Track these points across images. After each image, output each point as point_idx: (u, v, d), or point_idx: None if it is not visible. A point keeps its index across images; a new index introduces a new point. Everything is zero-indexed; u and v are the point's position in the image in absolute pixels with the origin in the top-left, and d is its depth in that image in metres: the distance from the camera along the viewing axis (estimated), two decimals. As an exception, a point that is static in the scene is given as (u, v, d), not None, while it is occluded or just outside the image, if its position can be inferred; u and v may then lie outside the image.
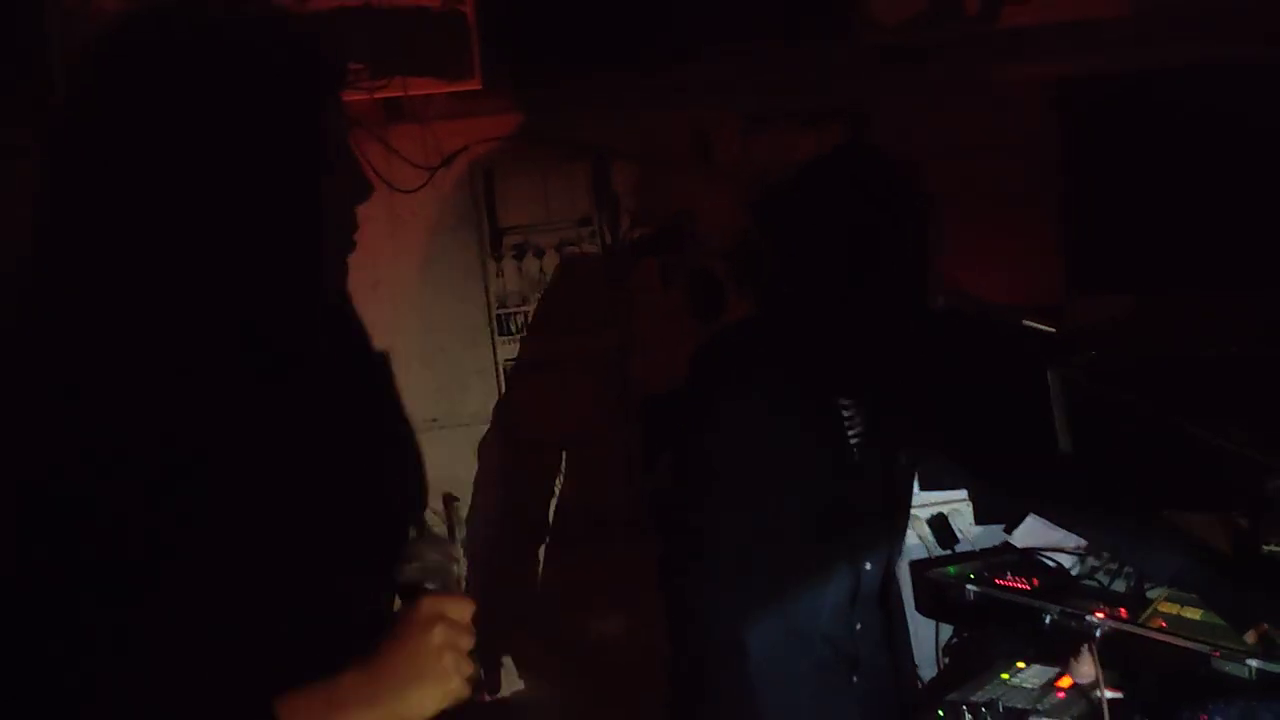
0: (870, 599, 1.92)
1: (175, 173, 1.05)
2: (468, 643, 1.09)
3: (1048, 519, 2.08)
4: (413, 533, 1.13)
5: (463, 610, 1.09)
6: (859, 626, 1.90)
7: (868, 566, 1.89)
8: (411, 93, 2.42)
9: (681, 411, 1.95)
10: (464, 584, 1.28)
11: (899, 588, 2.04)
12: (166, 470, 1.02)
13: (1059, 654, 1.84)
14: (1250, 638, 1.68)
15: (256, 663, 1.02)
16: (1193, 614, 1.83)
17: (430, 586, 1.09)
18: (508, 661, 2.56)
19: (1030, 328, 1.76)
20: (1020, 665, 1.89)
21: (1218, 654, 1.70)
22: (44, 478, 0.99)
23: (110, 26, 1.10)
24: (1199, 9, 2.42)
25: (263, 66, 1.09)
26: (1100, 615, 1.84)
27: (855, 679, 1.90)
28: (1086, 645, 1.74)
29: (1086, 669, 1.75)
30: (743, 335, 1.96)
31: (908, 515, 2.08)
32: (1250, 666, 1.65)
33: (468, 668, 1.07)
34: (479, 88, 2.44)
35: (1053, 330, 1.75)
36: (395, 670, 1.05)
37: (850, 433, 1.88)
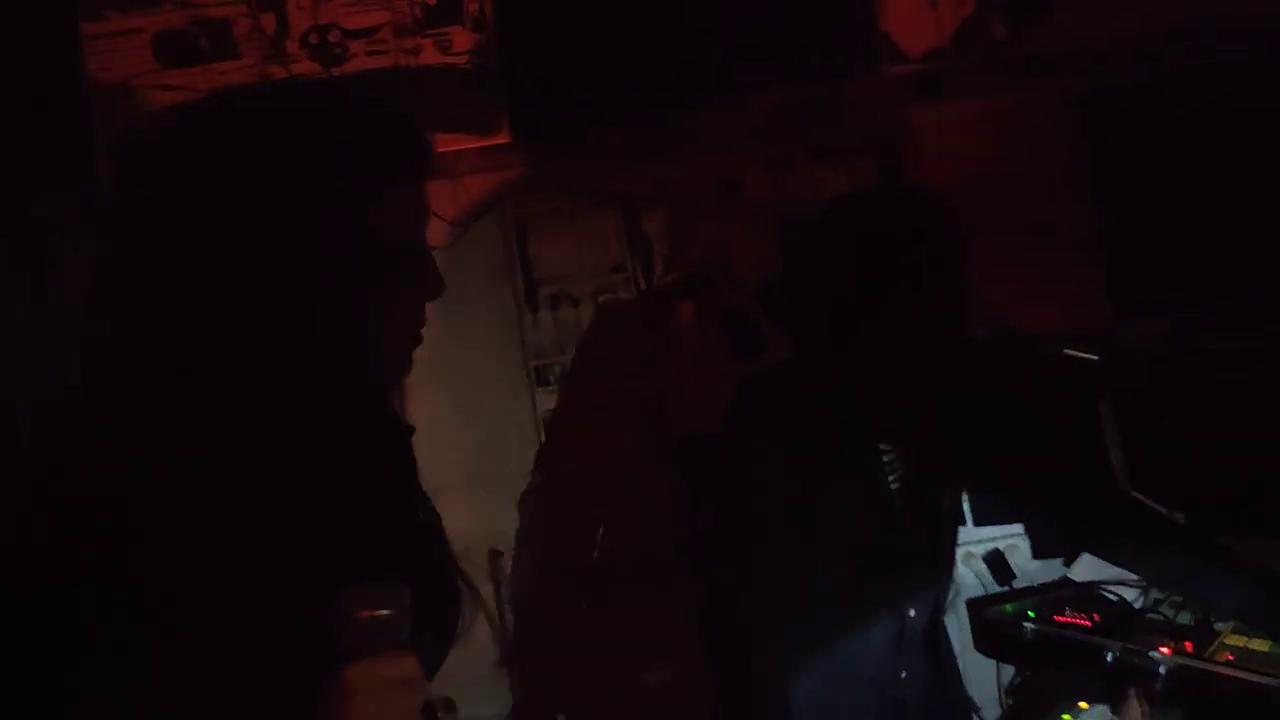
0: (917, 644, 1.87)
1: (236, 254, 1.06)
2: (414, 700, 1.01)
3: (1101, 556, 2.02)
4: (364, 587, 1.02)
5: (403, 668, 1.01)
6: (904, 673, 1.85)
7: (912, 613, 1.84)
8: (442, 149, 2.45)
9: (721, 459, 1.93)
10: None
11: (947, 633, 1.99)
12: (169, 473, 1.02)
13: (1122, 693, 1.78)
14: (1321, 671, 1.61)
15: (257, 664, 1.01)
16: (1261, 646, 1.76)
17: (381, 644, 1.00)
18: (559, 716, 2.54)
19: (1072, 357, 1.72)
20: (1083, 705, 1.83)
21: (1289, 687, 1.63)
22: (46, 478, 1.02)
23: (182, 112, 1.13)
24: (1232, 15, 2.37)
25: (341, 155, 1.10)
26: (1165, 651, 1.77)
27: (904, 726, 1.85)
28: (1133, 690, 1.68)
29: (1134, 715, 1.69)
30: (777, 378, 1.94)
31: (953, 558, 2.03)
32: (1324, 700, 1.58)
33: None
34: (508, 141, 2.47)
35: (1095, 359, 1.70)
36: None
37: (891, 474, 1.84)
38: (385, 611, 1.00)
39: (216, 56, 2.41)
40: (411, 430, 1.30)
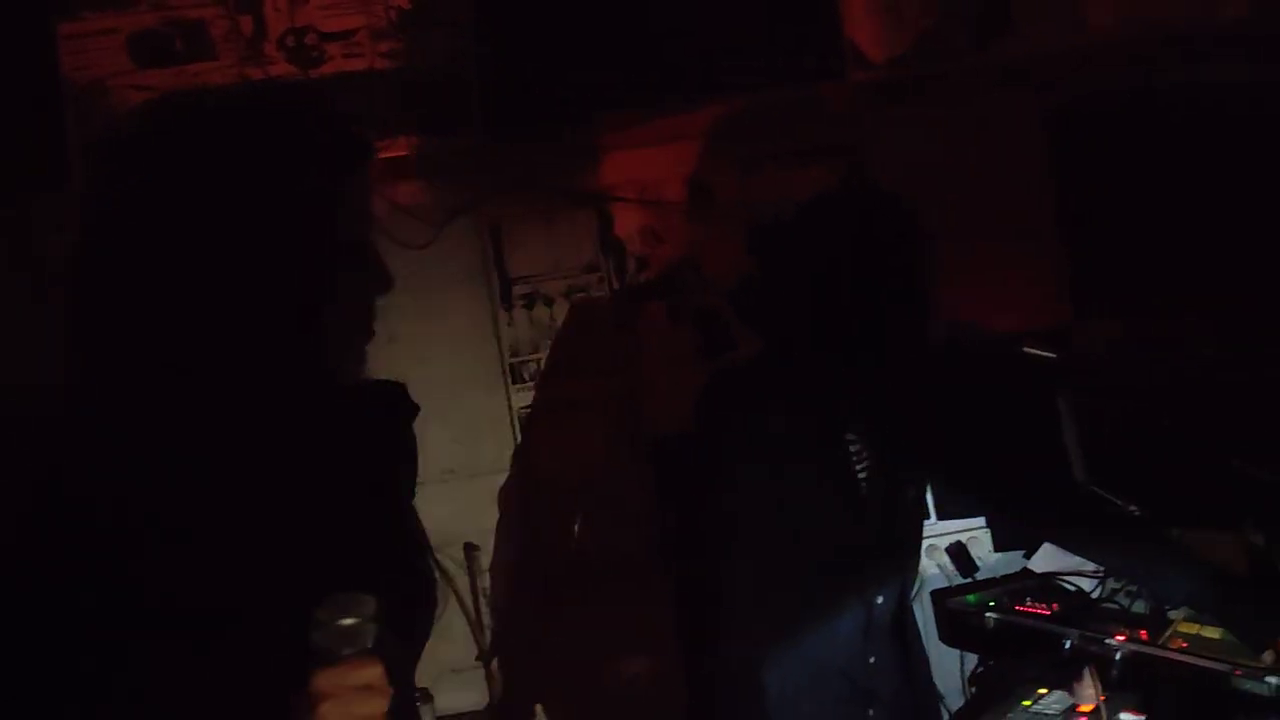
0: (884, 632, 1.92)
1: (197, 248, 1.07)
2: (378, 705, 1.03)
3: (1060, 546, 2.08)
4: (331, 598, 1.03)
5: (367, 675, 1.03)
6: (873, 660, 1.90)
7: (879, 600, 1.89)
8: (417, 151, 2.48)
9: (690, 454, 1.97)
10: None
11: (914, 619, 2.04)
12: (167, 476, 1.05)
13: (1077, 673, 1.84)
14: (1267, 657, 1.68)
15: (256, 664, 1.03)
16: (1212, 633, 1.82)
17: (346, 652, 1.02)
18: (535, 707, 2.57)
19: (1030, 355, 1.78)
20: (1042, 691, 1.88)
21: (1239, 672, 1.69)
22: (46, 478, 1.03)
23: (142, 109, 1.14)
24: (1189, 30, 2.44)
25: (290, 149, 1.12)
26: (1120, 638, 1.84)
27: (872, 712, 1.90)
28: (1087, 669, 1.74)
29: (1089, 692, 1.75)
30: (745, 375, 1.98)
31: (919, 547, 2.09)
32: (1271, 684, 1.64)
33: None
34: (482, 142, 2.50)
35: (1052, 356, 1.76)
36: None
37: (858, 467, 1.89)
38: (350, 620, 1.03)
39: (191, 58, 2.43)
40: (416, 410, 1.33)
